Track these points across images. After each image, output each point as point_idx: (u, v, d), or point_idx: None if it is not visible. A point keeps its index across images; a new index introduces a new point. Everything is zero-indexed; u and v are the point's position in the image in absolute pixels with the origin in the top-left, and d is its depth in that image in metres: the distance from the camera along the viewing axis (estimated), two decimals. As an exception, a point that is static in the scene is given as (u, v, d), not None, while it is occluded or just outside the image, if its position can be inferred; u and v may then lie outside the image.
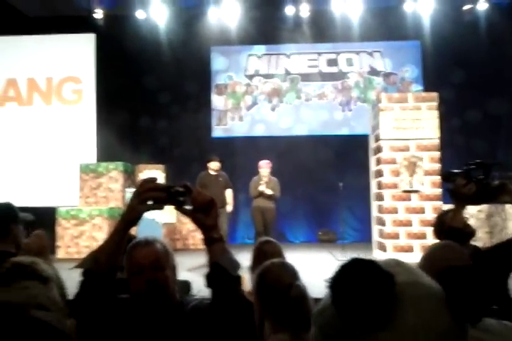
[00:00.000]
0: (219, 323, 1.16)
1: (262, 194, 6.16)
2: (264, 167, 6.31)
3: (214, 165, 6.33)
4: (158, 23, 8.79)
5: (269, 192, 6.14)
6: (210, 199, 1.18)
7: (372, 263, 0.65)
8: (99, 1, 8.60)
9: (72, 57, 9.10)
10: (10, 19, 8.70)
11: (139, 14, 8.77)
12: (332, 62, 9.28)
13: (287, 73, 9.33)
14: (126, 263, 1.38)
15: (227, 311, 1.15)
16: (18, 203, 3.20)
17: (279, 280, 1.55)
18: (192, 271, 5.00)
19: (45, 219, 5.42)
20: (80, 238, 6.83)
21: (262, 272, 1.61)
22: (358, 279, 0.63)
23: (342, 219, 7.51)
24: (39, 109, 9.10)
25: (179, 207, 1.17)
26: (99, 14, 8.80)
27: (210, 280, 1.17)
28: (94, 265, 1.17)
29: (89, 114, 9.03)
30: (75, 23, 8.85)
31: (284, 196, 6.64)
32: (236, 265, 1.18)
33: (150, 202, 1.16)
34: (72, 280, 1.77)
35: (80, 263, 1.22)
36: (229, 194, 6.32)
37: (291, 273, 1.62)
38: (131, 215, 1.18)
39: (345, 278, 0.64)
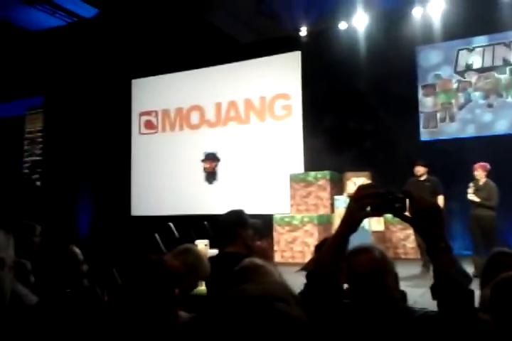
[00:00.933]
0: (448, 338, 1.09)
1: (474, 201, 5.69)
2: (477, 169, 5.77)
3: (417, 170, 6.10)
4: (360, 30, 8.88)
5: (475, 199, 5.61)
6: (433, 206, 1.13)
7: None
8: (304, 18, 9.12)
9: (281, 76, 9.86)
10: (227, 48, 9.93)
11: (341, 25, 9.01)
12: None
13: (507, 64, 8.26)
14: (345, 270, 1.41)
15: (458, 327, 1.07)
16: (247, 211, 3.60)
17: None
18: (405, 280, 4.82)
19: (268, 227, 5.95)
20: (294, 243, 7.27)
21: (501, 285, 1.45)
22: None
23: None
24: (255, 126, 10.09)
25: (398, 215, 1.13)
26: (303, 32, 9.36)
27: (438, 291, 1.11)
28: (316, 268, 1.23)
29: (297, 127, 9.61)
30: (282, 43, 9.59)
31: (509, 203, 5.88)
32: (468, 278, 1.10)
33: (368, 209, 1.15)
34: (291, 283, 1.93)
35: (303, 267, 1.31)
36: (439, 200, 5.92)
37: None
38: (349, 221, 1.18)
39: None
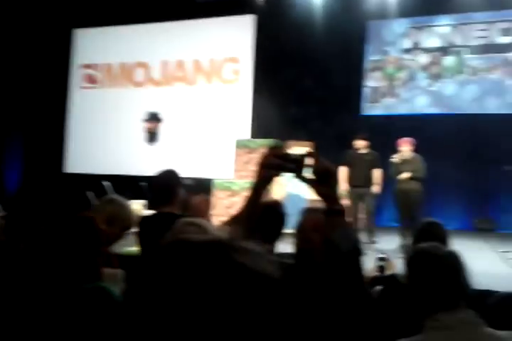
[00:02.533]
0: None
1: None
2: (402, 144, 5.88)
3: (358, 144, 6.20)
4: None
5: (404, 175, 5.70)
6: (326, 169, 1.13)
7: None
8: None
9: (232, 39, 9.60)
10: (180, 6, 9.48)
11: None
12: (506, 32, 8.19)
13: (451, 46, 8.52)
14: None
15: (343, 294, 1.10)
16: (181, 173, 3.52)
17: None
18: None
19: (203, 189, 5.91)
20: (232, 208, 7.29)
21: (414, 257, 1.49)
22: None
23: (502, 207, 6.76)
24: (202, 88, 9.84)
25: (297, 175, 1.13)
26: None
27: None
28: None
29: (246, 93, 9.48)
30: (236, 5, 9.27)
31: (437, 179, 6.17)
32: (349, 243, 1.12)
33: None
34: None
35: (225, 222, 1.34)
36: (377, 174, 6.10)
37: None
38: (255, 181, 1.21)
39: None
